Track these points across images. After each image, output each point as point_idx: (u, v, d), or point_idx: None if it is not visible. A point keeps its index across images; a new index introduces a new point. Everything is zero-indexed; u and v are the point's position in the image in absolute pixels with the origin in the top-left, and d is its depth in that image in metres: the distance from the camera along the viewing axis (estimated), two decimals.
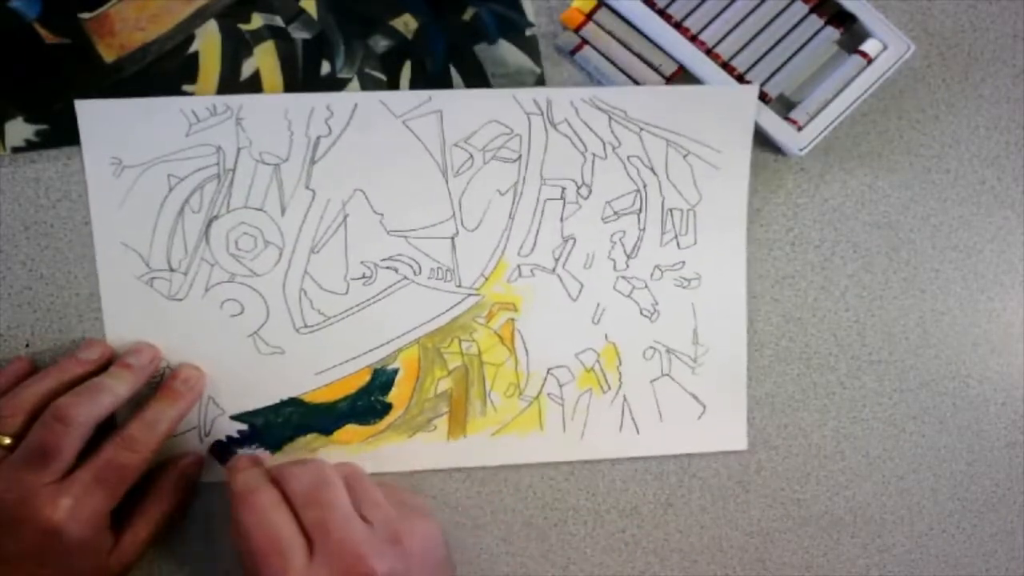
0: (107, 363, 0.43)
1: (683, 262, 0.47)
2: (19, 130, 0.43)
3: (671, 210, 0.47)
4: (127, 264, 0.44)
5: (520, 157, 0.45)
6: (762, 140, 0.47)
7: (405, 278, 0.45)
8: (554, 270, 0.46)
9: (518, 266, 0.46)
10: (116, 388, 0.41)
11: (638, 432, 0.47)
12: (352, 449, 0.46)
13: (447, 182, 0.45)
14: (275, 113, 0.44)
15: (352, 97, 0.44)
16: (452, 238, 0.45)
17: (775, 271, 0.49)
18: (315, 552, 0.38)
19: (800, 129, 0.45)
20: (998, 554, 0.51)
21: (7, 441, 0.39)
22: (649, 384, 0.47)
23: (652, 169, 0.46)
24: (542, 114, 0.45)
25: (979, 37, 0.49)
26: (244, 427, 0.45)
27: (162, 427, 0.42)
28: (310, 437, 0.46)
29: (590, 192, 0.46)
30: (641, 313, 0.47)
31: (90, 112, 0.43)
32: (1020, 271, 0.50)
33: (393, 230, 0.45)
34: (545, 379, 0.47)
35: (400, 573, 0.39)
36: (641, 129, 0.46)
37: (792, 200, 0.48)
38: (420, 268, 0.45)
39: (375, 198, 0.45)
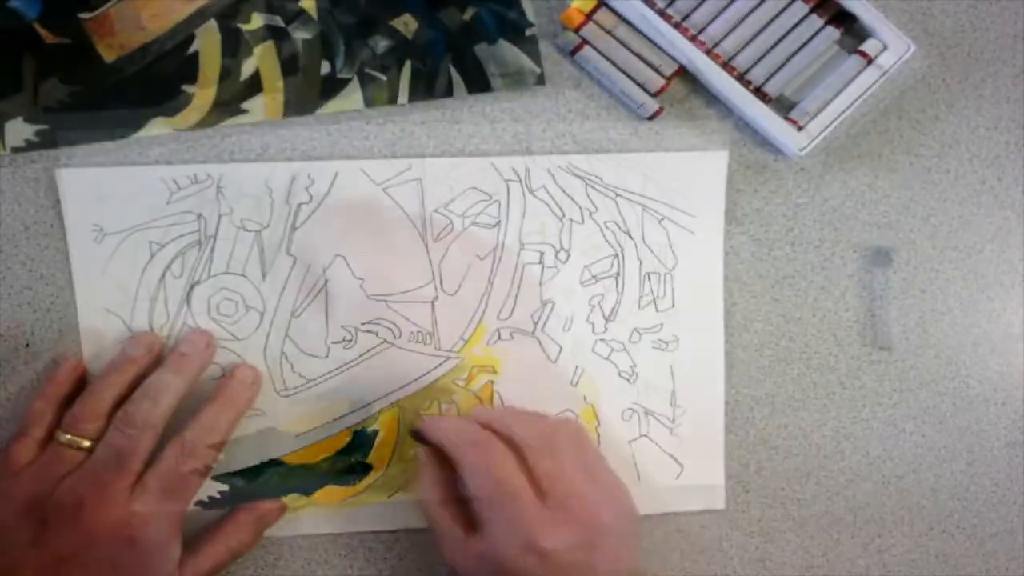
0: (159, 352, 0.43)
1: (661, 324, 0.47)
2: (19, 130, 0.43)
3: (648, 274, 0.47)
4: (110, 329, 0.44)
5: (499, 222, 0.46)
6: (762, 140, 0.47)
7: (385, 341, 0.45)
8: (533, 333, 0.47)
9: (497, 329, 0.46)
10: (173, 384, 0.41)
11: None
12: (333, 509, 0.46)
13: (427, 247, 0.45)
14: (256, 181, 0.44)
15: (333, 165, 0.45)
16: (432, 302, 0.46)
17: (775, 271, 0.49)
18: (547, 498, 0.39)
19: (800, 129, 0.45)
20: (998, 554, 0.51)
21: (87, 444, 0.40)
22: (627, 444, 0.48)
23: (628, 233, 0.47)
24: (520, 181, 0.46)
25: (979, 37, 0.49)
26: (225, 488, 0.45)
27: (220, 430, 0.42)
28: (291, 497, 0.45)
29: (568, 256, 0.46)
30: (619, 375, 0.47)
31: (71, 180, 0.43)
32: (1020, 271, 0.50)
33: (374, 295, 0.45)
34: None
35: (620, 532, 0.40)
36: (616, 195, 0.46)
37: (792, 200, 0.48)
38: (400, 332, 0.46)
39: (355, 263, 0.45)
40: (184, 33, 0.44)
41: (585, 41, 0.45)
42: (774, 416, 0.49)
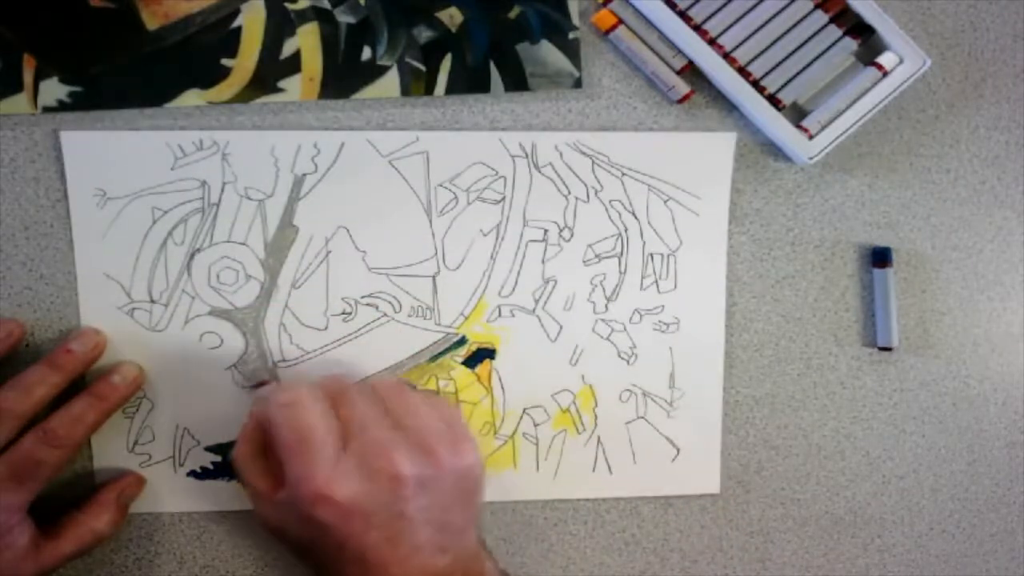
0: (100, 353, 0.43)
1: (662, 306, 0.47)
2: (53, 90, 0.43)
3: (652, 255, 0.47)
4: (109, 294, 0.44)
5: (504, 199, 0.46)
6: (762, 141, 0.47)
7: (385, 315, 0.46)
8: (534, 311, 0.47)
9: (498, 306, 0.46)
10: (50, 378, 0.41)
11: (611, 473, 0.48)
12: None
13: (431, 221, 0.45)
14: (261, 149, 0.44)
15: (339, 136, 0.44)
16: (433, 277, 0.46)
17: (775, 271, 0.49)
18: (346, 446, 0.38)
19: (811, 138, 0.45)
20: (998, 554, 0.52)
21: None
22: (624, 426, 0.48)
23: (633, 213, 0.47)
24: (527, 157, 0.46)
25: (979, 37, 0.49)
26: (218, 459, 0.45)
27: (86, 424, 0.42)
28: None
29: (572, 235, 0.46)
30: (619, 356, 0.47)
31: (75, 143, 0.43)
32: (1020, 271, 0.50)
33: (375, 267, 0.45)
34: (521, 418, 0.47)
35: (428, 482, 0.38)
36: (623, 174, 0.46)
37: (792, 200, 0.48)
38: (400, 306, 0.46)
39: (358, 235, 0.45)
40: (230, 7, 0.43)
41: (621, 21, 0.45)
42: (774, 416, 0.49)
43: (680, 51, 0.45)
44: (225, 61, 0.44)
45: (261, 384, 0.44)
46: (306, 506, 0.37)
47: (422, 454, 0.39)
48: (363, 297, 0.45)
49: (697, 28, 0.45)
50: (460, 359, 0.46)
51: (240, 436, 0.41)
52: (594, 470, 0.48)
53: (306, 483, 0.37)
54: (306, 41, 0.44)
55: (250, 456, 0.41)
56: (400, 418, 0.40)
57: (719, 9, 0.45)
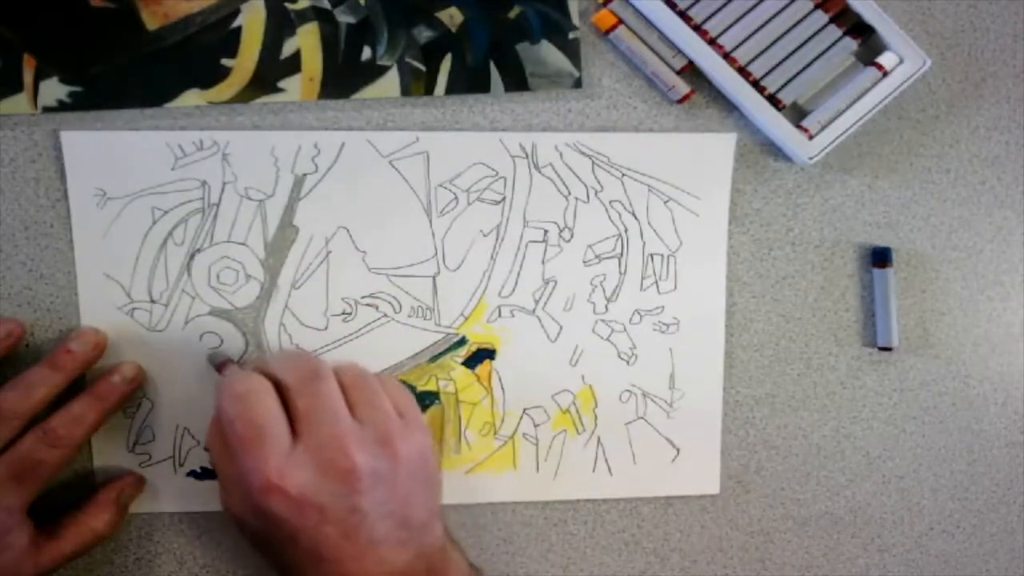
0: (101, 353, 0.43)
1: (662, 307, 0.47)
2: (53, 90, 0.43)
3: (652, 255, 0.47)
4: (109, 294, 0.44)
5: (504, 199, 0.46)
6: (762, 141, 0.47)
7: (385, 315, 0.46)
8: (534, 311, 0.47)
9: (498, 307, 0.46)
10: (50, 379, 0.41)
11: (611, 474, 0.48)
12: None
13: (431, 222, 0.45)
14: (262, 149, 0.44)
15: (340, 136, 0.44)
16: (433, 277, 0.46)
17: (775, 271, 0.49)
18: (299, 440, 0.38)
19: (811, 138, 0.45)
20: (998, 554, 0.52)
21: None
22: (624, 427, 0.48)
23: (633, 214, 0.47)
24: (527, 157, 0.46)
25: (979, 37, 0.49)
26: None
27: (86, 424, 0.41)
28: None
29: (572, 235, 0.46)
30: (619, 356, 0.47)
31: (75, 143, 0.43)
32: (1020, 271, 0.50)
33: (375, 268, 0.45)
34: (520, 419, 0.47)
35: (383, 474, 0.38)
36: (623, 174, 0.46)
37: (792, 200, 0.48)
38: (400, 306, 0.46)
39: (359, 236, 0.45)
40: (230, 7, 0.43)
41: (621, 21, 0.45)
42: (774, 416, 0.49)
43: (680, 51, 0.45)
44: (225, 61, 0.44)
45: (224, 365, 0.43)
46: (258, 497, 0.37)
47: (378, 447, 0.38)
48: (363, 297, 0.45)
49: (697, 28, 0.45)
50: (460, 359, 0.46)
51: (211, 424, 0.41)
52: (594, 470, 0.48)
53: (257, 474, 0.37)
54: (306, 41, 0.44)
55: (221, 443, 0.40)
56: (359, 410, 0.39)
57: (719, 9, 0.45)
